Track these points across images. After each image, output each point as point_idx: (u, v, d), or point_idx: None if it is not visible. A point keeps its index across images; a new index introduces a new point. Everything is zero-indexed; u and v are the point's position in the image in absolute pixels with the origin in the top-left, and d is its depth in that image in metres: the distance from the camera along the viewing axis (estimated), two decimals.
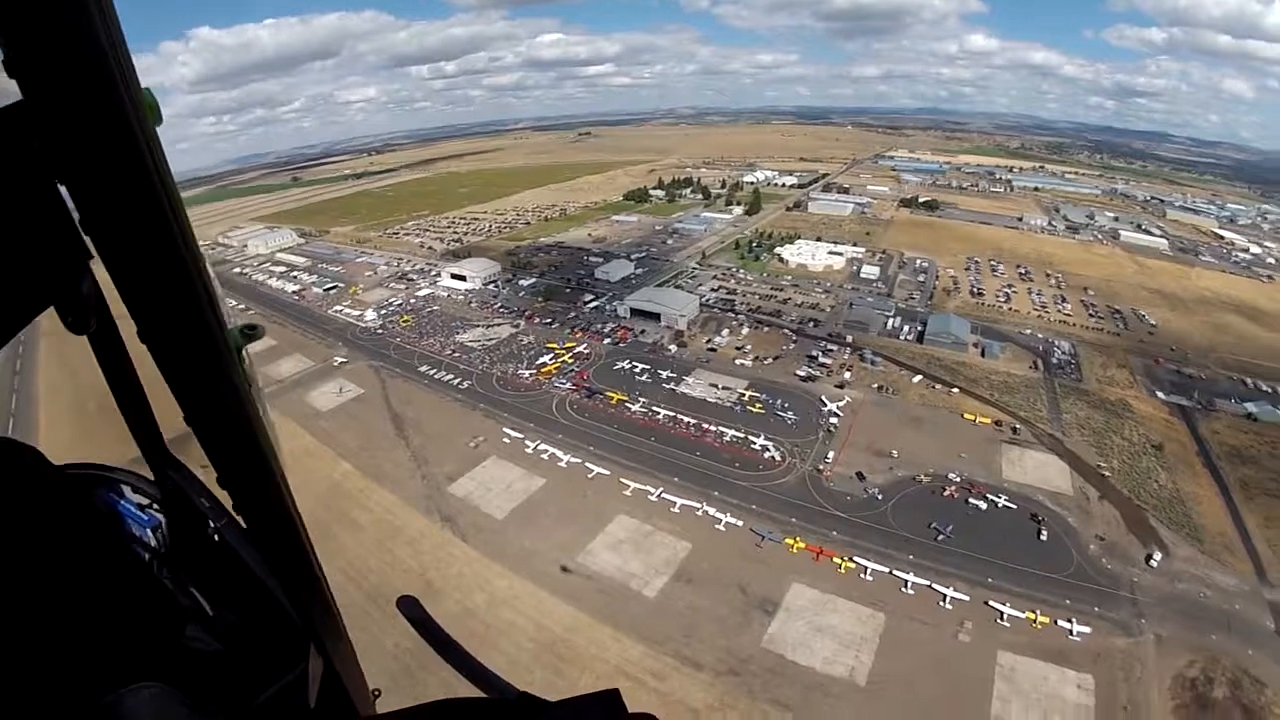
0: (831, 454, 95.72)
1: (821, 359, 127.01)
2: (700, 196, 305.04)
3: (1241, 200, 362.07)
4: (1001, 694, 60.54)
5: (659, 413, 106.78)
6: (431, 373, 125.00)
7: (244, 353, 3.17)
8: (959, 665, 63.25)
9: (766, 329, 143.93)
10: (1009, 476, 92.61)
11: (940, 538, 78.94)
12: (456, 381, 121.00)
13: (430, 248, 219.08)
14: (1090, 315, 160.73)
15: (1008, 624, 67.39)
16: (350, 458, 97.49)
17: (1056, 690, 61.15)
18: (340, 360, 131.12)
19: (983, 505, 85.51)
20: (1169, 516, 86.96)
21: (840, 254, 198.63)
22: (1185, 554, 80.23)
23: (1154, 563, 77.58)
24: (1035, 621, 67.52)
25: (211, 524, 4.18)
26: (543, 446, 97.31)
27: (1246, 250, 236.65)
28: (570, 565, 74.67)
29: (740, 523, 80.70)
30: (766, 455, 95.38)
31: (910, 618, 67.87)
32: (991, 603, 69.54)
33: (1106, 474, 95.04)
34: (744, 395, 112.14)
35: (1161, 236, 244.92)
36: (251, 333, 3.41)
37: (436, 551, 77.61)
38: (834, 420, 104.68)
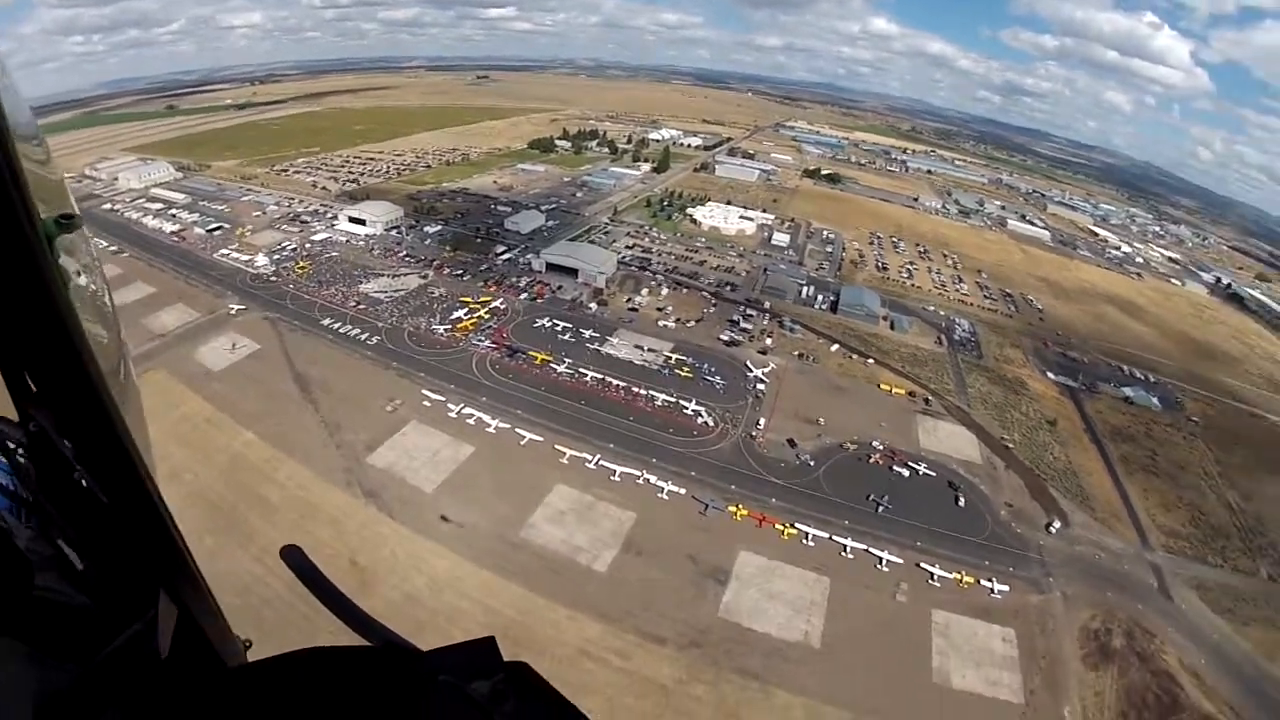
0: (762, 420, 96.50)
1: (743, 324, 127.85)
2: (607, 151, 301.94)
3: (1112, 202, 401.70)
4: (940, 649, 64.52)
5: (586, 375, 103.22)
6: (336, 326, 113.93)
7: (58, 244, 2.67)
8: (900, 624, 66.66)
9: (685, 291, 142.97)
10: (926, 445, 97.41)
11: (880, 509, 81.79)
12: (364, 336, 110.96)
13: (324, 188, 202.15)
14: (985, 297, 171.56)
15: (938, 584, 71.44)
16: (252, 425, 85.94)
17: (986, 644, 65.95)
18: (236, 308, 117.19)
19: (905, 473, 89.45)
20: (1065, 486, 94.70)
21: (751, 219, 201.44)
22: (1081, 520, 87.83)
23: (1054, 529, 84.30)
24: (962, 581, 72.09)
25: (78, 467, 3.66)
26: (467, 410, 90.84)
27: (1119, 248, 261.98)
28: (510, 538, 70.70)
29: (682, 490, 79.51)
30: (700, 421, 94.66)
31: (852, 581, 70.09)
32: (923, 565, 73.39)
33: (1010, 445, 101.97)
34: (670, 358, 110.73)
35: (1044, 228, 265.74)
36: (68, 222, 2.81)
37: (362, 531, 70.29)
38: (760, 386, 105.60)
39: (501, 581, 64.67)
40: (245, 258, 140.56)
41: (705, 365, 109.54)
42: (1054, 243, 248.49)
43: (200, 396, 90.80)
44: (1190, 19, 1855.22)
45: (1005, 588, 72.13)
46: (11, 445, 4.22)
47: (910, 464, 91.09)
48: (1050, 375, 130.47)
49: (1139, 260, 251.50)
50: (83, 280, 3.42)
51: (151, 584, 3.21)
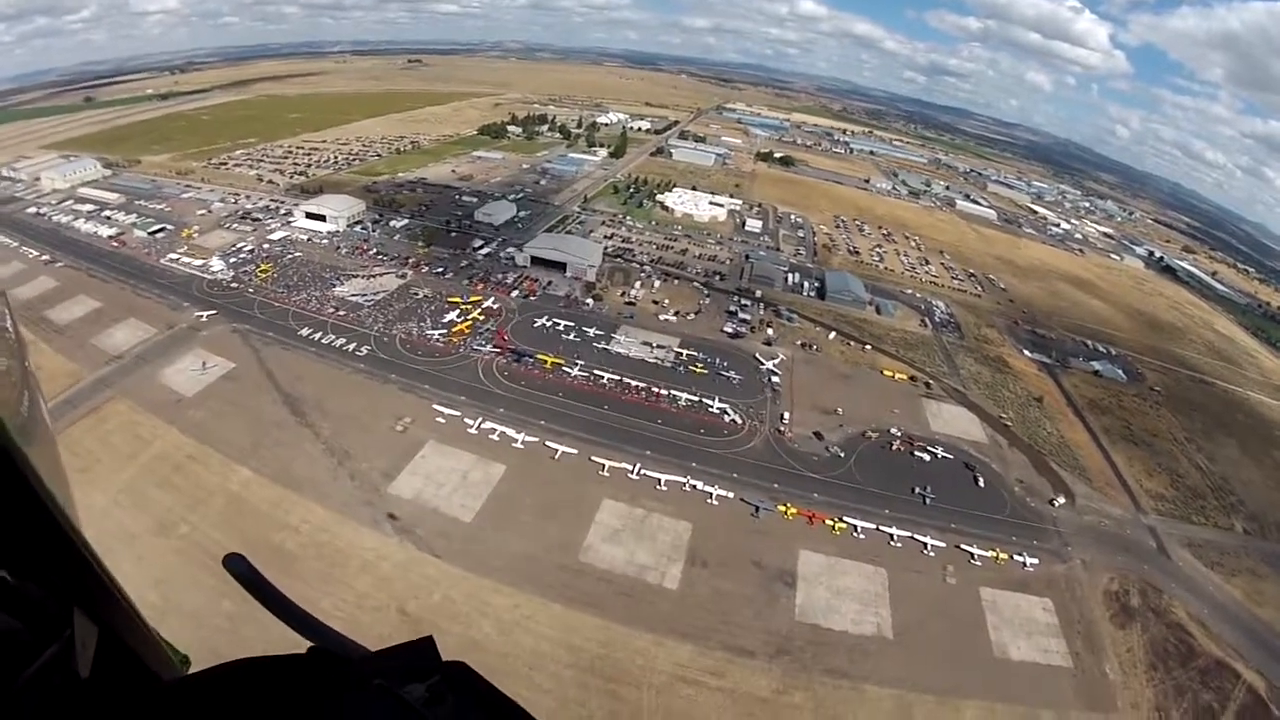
0: (786, 414, 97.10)
1: (741, 315, 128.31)
2: (559, 136, 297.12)
3: (1042, 179, 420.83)
4: (994, 624, 68.20)
5: (603, 377, 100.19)
6: (316, 336, 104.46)
7: None
8: (955, 604, 69.66)
9: (676, 282, 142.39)
10: (936, 429, 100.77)
11: (927, 501, 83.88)
12: (352, 347, 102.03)
13: (270, 181, 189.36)
14: (953, 277, 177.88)
15: (979, 563, 74.97)
16: (245, 460, 74.81)
17: (1030, 615, 70.05)
18: (204, 315, 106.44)
19: (926, 457, 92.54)
20: (1062, 460, 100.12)
21: (721, 205, 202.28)
22: (1083, 491, 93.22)
23: (1060, 502, 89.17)
24: (998, 559, 75.82)
25: None
26: (488, 424, 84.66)
27: (1058, 225, 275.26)
28: (571, 564, 67.13)
29: (730, 494, 78.81)
30: (727, 419, 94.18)
31: (905, 568, 72.35)
32: (962, 546, 76.52)
33: (1008, 424, 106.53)
34: (681, 354, 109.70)
35: (989, 207, 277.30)
36: None
37: (404, 575, 62.72)
38: (775, 379, 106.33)
39: (574, 613, 61.37)
40: (198, 262, 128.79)
41: (717, 360, 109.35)
42: (1000, 221, 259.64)
43: (175, 428, 79.09)
44: (1110, 3, 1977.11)
45: (1035, 560, 76.39)
46: None
47: (929, 448, 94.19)
48: (1027, 353, 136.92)
49: (1078, 236, 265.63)
50: None
51: (65, 604, 3.09)
